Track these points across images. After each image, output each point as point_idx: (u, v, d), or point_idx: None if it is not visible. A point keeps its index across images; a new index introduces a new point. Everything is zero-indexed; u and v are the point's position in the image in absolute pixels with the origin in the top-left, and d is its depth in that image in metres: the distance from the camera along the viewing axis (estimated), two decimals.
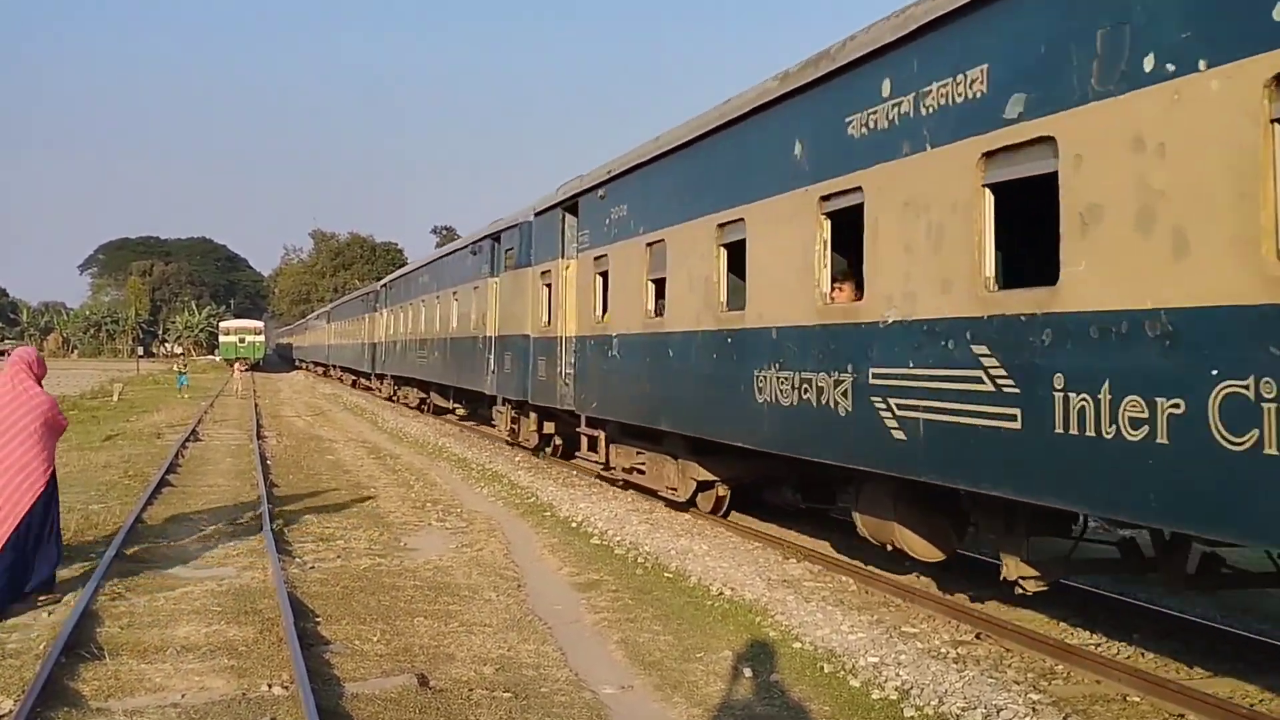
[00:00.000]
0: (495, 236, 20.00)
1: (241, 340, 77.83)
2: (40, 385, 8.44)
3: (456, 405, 27.16)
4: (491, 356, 19.61)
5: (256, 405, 34.31)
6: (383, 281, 40.03)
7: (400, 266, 61.43)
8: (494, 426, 21.82)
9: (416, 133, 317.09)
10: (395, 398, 35.68)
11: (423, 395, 30.87)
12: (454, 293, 24.15)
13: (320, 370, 65.75)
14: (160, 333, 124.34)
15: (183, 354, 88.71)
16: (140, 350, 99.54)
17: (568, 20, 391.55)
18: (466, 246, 23.02)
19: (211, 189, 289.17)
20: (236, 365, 51.75)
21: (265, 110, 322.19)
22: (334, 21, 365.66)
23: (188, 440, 21.64)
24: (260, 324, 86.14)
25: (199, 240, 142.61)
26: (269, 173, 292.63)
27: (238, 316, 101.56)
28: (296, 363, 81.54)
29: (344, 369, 52.03)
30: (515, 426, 19.11)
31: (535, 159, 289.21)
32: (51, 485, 8.27)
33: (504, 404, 19.53)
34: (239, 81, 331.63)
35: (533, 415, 17.99)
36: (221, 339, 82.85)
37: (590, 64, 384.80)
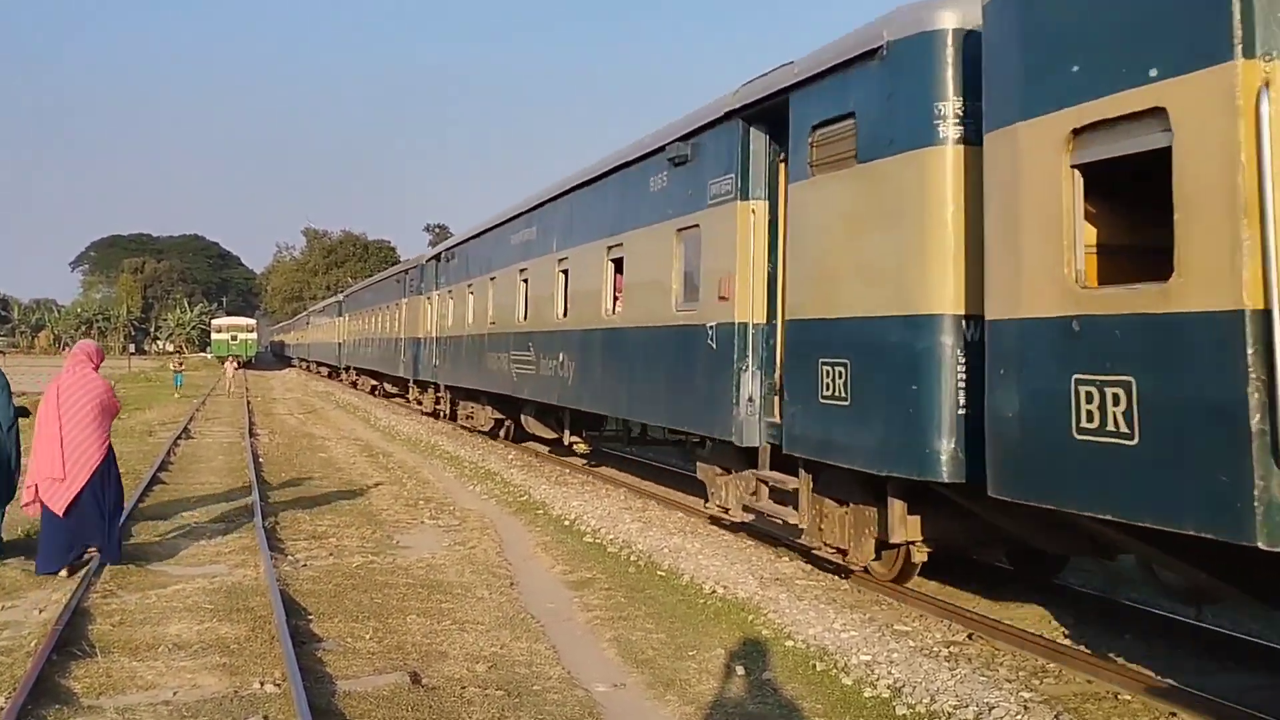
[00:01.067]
0: (845, 66, 8.20)
1: (234, 338, 77.58)
2: (97, 372, 9.51)
3: (575, 439, 16.51)
4: (813, 365, 8.47)
5: (249, 403, 34.23)
6: (437, 250, 26.98)
7: (393, 264, 58.39)
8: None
9: (409, 131, 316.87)
10: (450, 415, 25.08)
11: (500, 416, 20.69)
12: (609, 248, 13.32)
13: (326, 373, 57.32)
14: (152, 330, 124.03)
15: (178, 352, 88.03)
16: (132, 348, 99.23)
17: (561, 20, 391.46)
18: (665, 145, 11.44)
19: (203, 186, 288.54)
20: (229, 363, 48.52)
21: (256, 107, 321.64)
22: (325, 20, 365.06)
23: (179, 438, 21.58)
24: (253, 321, 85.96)
25: (191, 237, 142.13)
26: (261, 170, 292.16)
27: (230, 314, 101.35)
28: (293, 362, 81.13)
29: (363, 372, 41.34)
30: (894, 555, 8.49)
31: (528, 158, 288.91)
32: (107, 461, 9.20)
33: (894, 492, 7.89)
34: (230, 79, 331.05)
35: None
36: (213, 336, 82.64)
37: (583, 63, 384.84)
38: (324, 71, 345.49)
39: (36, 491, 8.93)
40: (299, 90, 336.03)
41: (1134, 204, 6.01)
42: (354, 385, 44.23)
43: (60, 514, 8.87)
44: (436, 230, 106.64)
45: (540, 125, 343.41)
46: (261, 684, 6.24)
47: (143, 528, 11.33)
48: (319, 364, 60.38)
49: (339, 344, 48.09)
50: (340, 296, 50.49)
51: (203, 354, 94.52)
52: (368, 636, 7.35)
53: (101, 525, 9.03)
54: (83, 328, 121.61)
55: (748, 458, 10.03)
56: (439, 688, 6.30)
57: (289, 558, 9.93)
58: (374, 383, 39.03)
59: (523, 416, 18.55)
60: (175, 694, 6.10)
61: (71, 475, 8.90)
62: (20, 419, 9.95)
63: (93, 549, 9.12)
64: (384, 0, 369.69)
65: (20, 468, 9.99)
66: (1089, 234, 6.09)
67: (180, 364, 52.53)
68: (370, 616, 7.87)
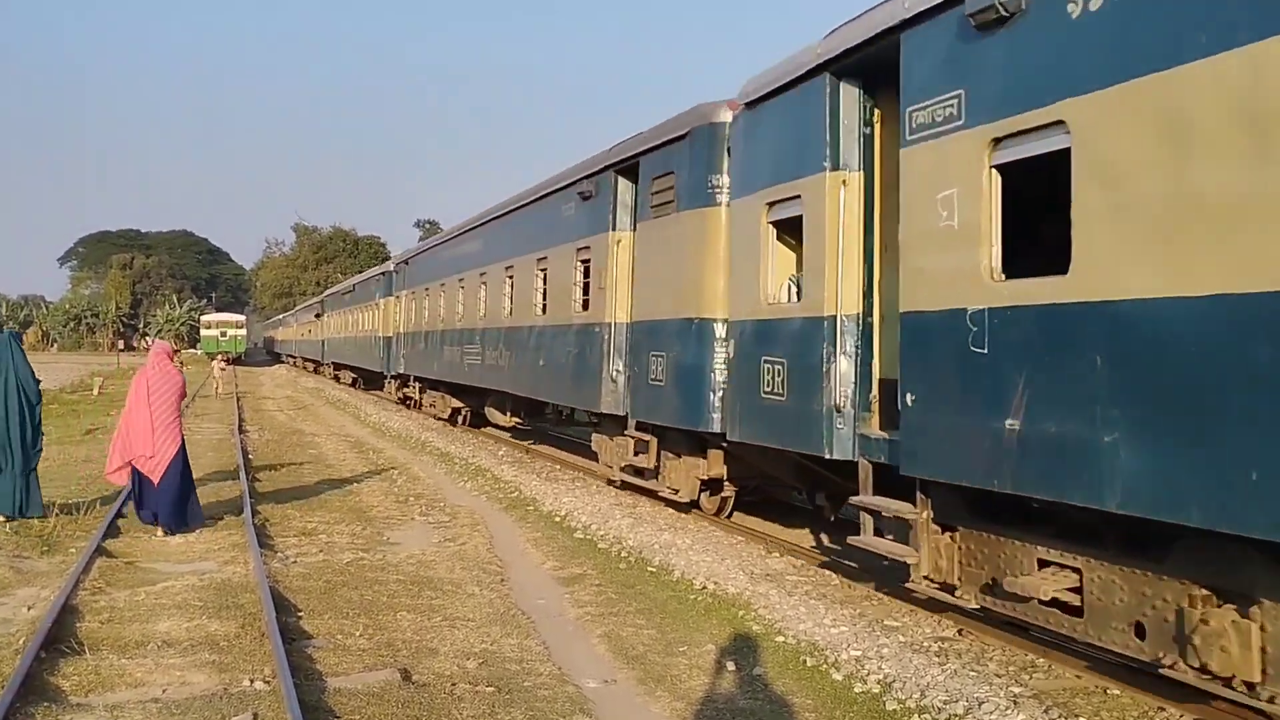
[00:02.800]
0: None
1: (223, 334, 77.14)
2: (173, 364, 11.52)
3: None
4: None
5: (238, 400, 34.13)
6: None
7: (384, 260, 54.84)
8: None
9: (398, 126, 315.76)
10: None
11: None
12: None
13: (350, 380, 42.49)
14: (141, 326, 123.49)
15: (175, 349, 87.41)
16: (121, 344, 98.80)
17: (551, 17, 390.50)
18: None
19: (192, 182, 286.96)
20: (216, 361, 42.95)
21: (246, 102, 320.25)
22: (314, 14, 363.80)
23: None
24: (242, 318, 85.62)
25: (180, 233, 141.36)
26: (250, 166, 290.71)
27: (219, 310, 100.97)
28: (282, 358, 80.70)
29: (437, 387, 25.26)
30: None
31: (517, 154, 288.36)
32: (183, 440, 11.15)
33: None
34: (219, 74, 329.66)
35: None
36: (203, 333, 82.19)
37: (572, 61, 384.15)
38: (313, 67, 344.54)
39: (130, 465, 10.83)
40: (288, 85, 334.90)
41: None
42: (406, 402, 30.32)
43: (155, 483, 10.78)
44: (427, 226, 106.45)
45: (529, 121, 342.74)
46: (251, 681, 6.23)
47: (132, 524, 11.30)
48: (339, 368, 45.15)
49: (383, 340, 31.61)
50: (390, 265, 34.44)
51: (192, 350, 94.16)
52: (358, 633, 7.34)
53: (178, 493, 10.92)
54: (71, 324, 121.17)
55: None
56: (429, 684, 6.30)
57: (279, 554, 9.91)
58: (458, 405, 24.23)
59: None
60: (164, 691, 6.08)
61: (161, 451, 10.80)
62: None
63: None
64: None
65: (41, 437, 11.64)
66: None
67: (181, 363, 50.15)
68: (360, 613, 7.85)
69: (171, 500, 10.82)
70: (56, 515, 11.07)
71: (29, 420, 11.20)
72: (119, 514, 11.58)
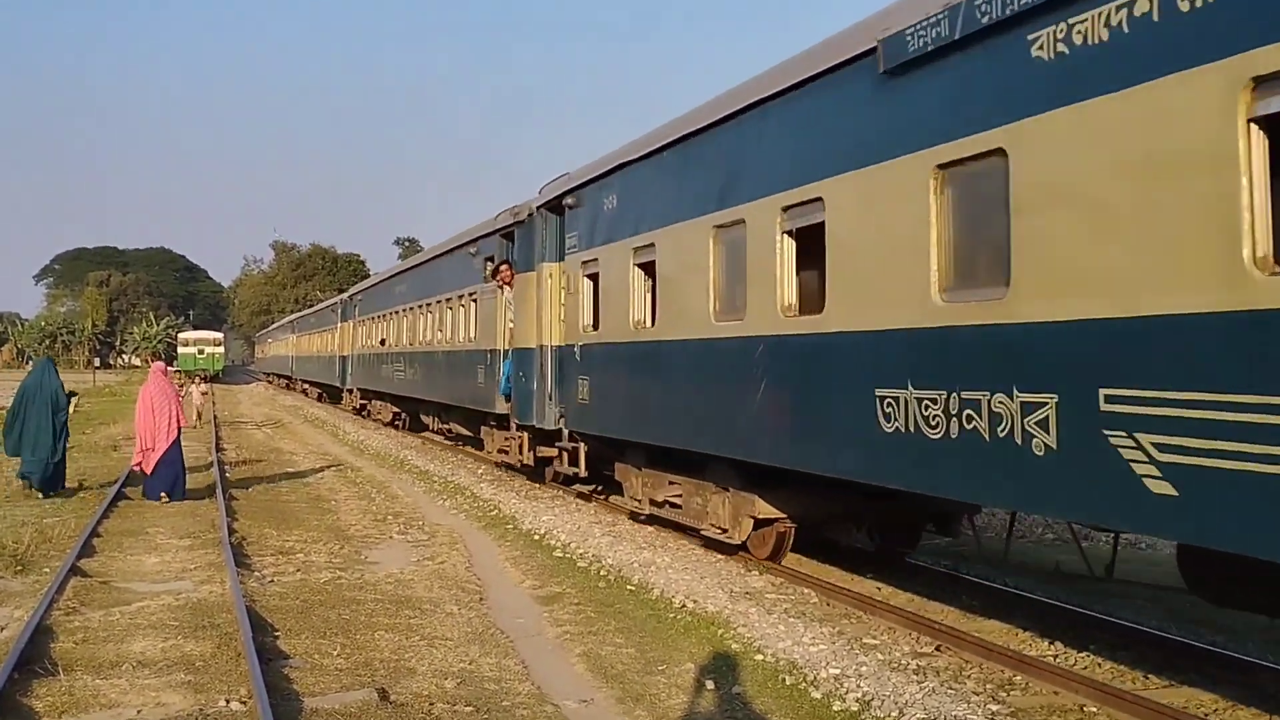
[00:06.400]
0: None
1: (201, 351, 76.69)
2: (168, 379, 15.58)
3: None
4: None
5: (215, 418, 33.90)
6: None
7: (364, 278, 53.81)
8: None
9: (378, 143, 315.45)
10: None
11: None
12: None
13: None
14: (118, 344, 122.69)
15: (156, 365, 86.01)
16: (97, 362, 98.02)
17: (531, 36, 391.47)
18: None
19: (170, 198, 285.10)
20: (195, 385, 35.53)
21: (225, 119, 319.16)
22: (293, 31, 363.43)
23: None
24: (220, 335, 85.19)
25: (157, 250, 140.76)
26: (229, 183, 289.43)
27: (197, 328, 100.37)
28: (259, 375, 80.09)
29: None
30: None
31: (498, 172, 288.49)
32: (178, 435, 14.72)
33: None
34: (197, 90, 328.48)
35: None
36: (180, 350, 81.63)
37: (554, 80, 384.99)
38: (292, 84, 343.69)
39: (143, 455, 14.47)
40: (267, 102, 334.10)
41: None
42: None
43: (149, 471, 14.46)
44: (406, 243, 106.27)
45: (507, 140, 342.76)
46: (227, 701, 6.19)
47: (108, 543, 11.21)
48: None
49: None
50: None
51: (172, 369, 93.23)
52: (335, 653, 7.30)
53: (174, 475, 14.63)
54: (46, 341, 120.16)
55: None
56: (407, 704, 6.27)
57: (256, 574, 9.84)
58: None
59: None
60: (139, 712, 6.04)
61: (158, 445, 14.40)
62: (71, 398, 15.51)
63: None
64: (351, 13, 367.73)
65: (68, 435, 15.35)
66: None
67: (180, 382, 45.42)
68: (338, 632, 7.81)
69: (165, 476, 14.46)
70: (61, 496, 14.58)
71: (56, 423, 14.78)
72: (104, 520, 11.48)
